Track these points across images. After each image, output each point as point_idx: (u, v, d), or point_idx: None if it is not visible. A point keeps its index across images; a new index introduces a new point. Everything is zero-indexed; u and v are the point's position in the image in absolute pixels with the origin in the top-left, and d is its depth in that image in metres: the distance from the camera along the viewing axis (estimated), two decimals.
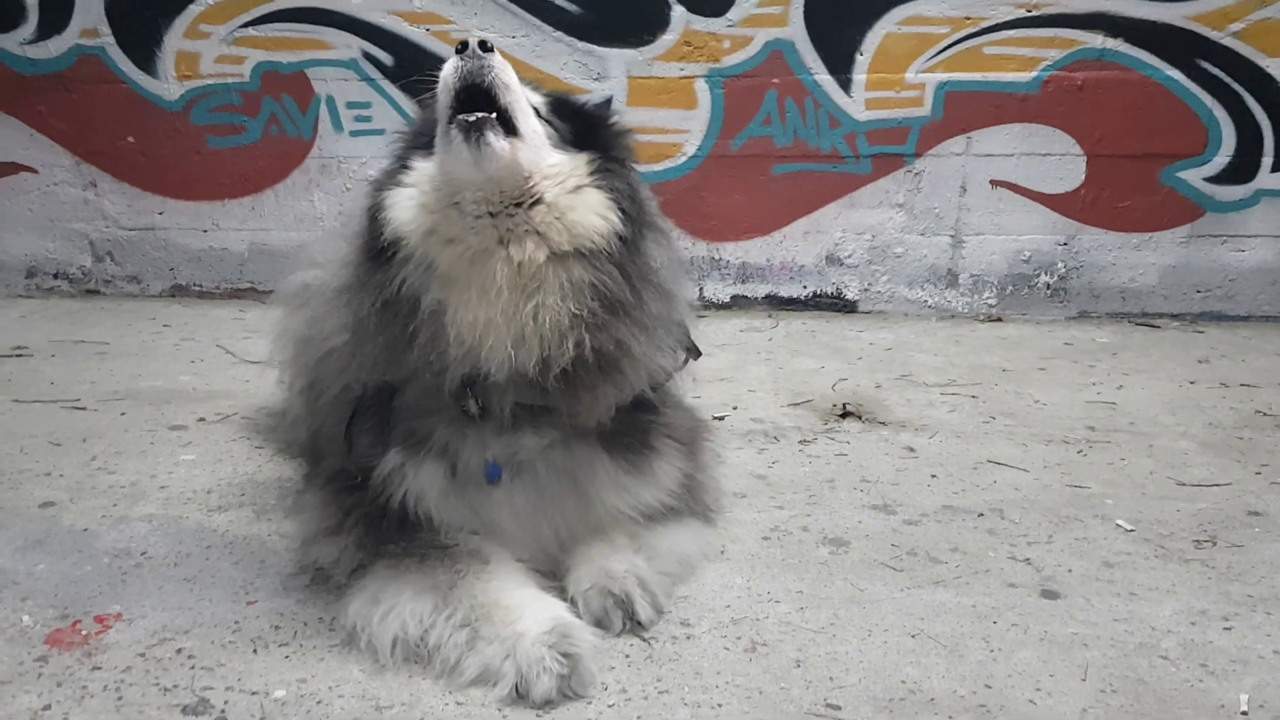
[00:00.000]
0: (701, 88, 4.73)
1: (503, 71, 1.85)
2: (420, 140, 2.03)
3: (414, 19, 4.76)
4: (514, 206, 1.87)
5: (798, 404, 3.55)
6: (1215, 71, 4.50)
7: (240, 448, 3.09)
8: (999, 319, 4.86)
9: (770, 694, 1.82)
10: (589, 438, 2.04)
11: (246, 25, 4.86)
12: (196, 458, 3.01)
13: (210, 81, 4.95)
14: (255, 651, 1.96)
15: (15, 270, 5.32)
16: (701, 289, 5.01)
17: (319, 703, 1.79)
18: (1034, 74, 4.57)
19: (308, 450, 2.62)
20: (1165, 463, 2.98)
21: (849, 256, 4.93)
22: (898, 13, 4.55)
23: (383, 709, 1.77)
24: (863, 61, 4.63)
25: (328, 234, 4.56)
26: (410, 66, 4.76)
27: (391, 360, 1.94)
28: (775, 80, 4.67)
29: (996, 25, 4.53)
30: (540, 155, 1.91)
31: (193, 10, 4.85)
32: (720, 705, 1.79)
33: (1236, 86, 4.51)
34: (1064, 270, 4.83)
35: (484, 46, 1.84)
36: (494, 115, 1.82)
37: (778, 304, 5.03)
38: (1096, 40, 4.49)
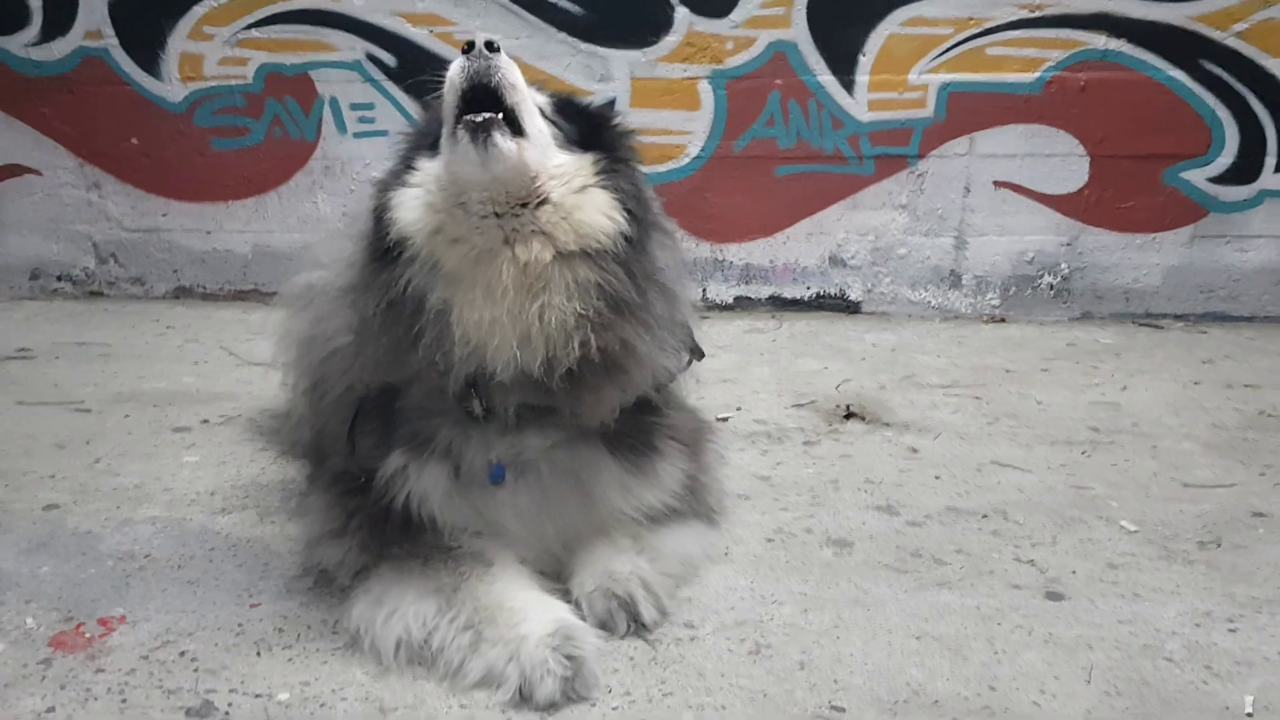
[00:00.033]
0: (704, 89, 4.72)
1: (509, 72, 1.85)
2: (425, 140, 2.03)
3: (417, 20, 4.76)
4: (520, 206, 1.87)
5: (801, 405, 3.55)
6: (1218, 72, 4.49)
7: (244, 450, 3.09)
8: (1002, 320, 4.86)
9: (774, 696, 1.82)
10: (592, 438, 2.04)
11: (250, 27, 4.86)
12: (200, 460, 3.01)
13: (214, 83, 4.95)
14: (259, 654, 1.96)
15: (19, 272, 5.33)
16: (705, 290, 5.01)
17: (323, 705, 1.79)
18: (1037, 75, 4.56)
19: (311, 452, 2.62)
20: (1169, 464, 2.98)
21: (852, 257, 4.92)
22: (900, 14, 4.54)
23: (387, 711, 1.77)
24: (865, 63, 4.62)
25: (331, 235, 4.55)
26: (413, 68, 4.76)
27: (396, 360, 1.94)
28: (778, 81, 4.67)
29: (999, 26, 4.52)
30: (546, 155, 1.92)
31: (196, 12, 4.85)
32: (724, 707, 1.79)
33: (1240, 87, 4.49)
34: (1067, 271, 4.82)
35: (490, 47, 1.84)
36: (501, 115, 1.82)
37: (781, 305, 5.02)
38: (1099, 41, 4.49)
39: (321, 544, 2.11)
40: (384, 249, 1.92)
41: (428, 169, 1.96)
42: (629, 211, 1.92)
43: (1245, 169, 4.59)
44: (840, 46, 4.61)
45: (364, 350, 2.01)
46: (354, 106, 4.92)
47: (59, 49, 4.94)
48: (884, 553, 2.40)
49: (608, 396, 1.95)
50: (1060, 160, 4.67)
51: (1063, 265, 4.81)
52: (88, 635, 2.02)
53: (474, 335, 1.85)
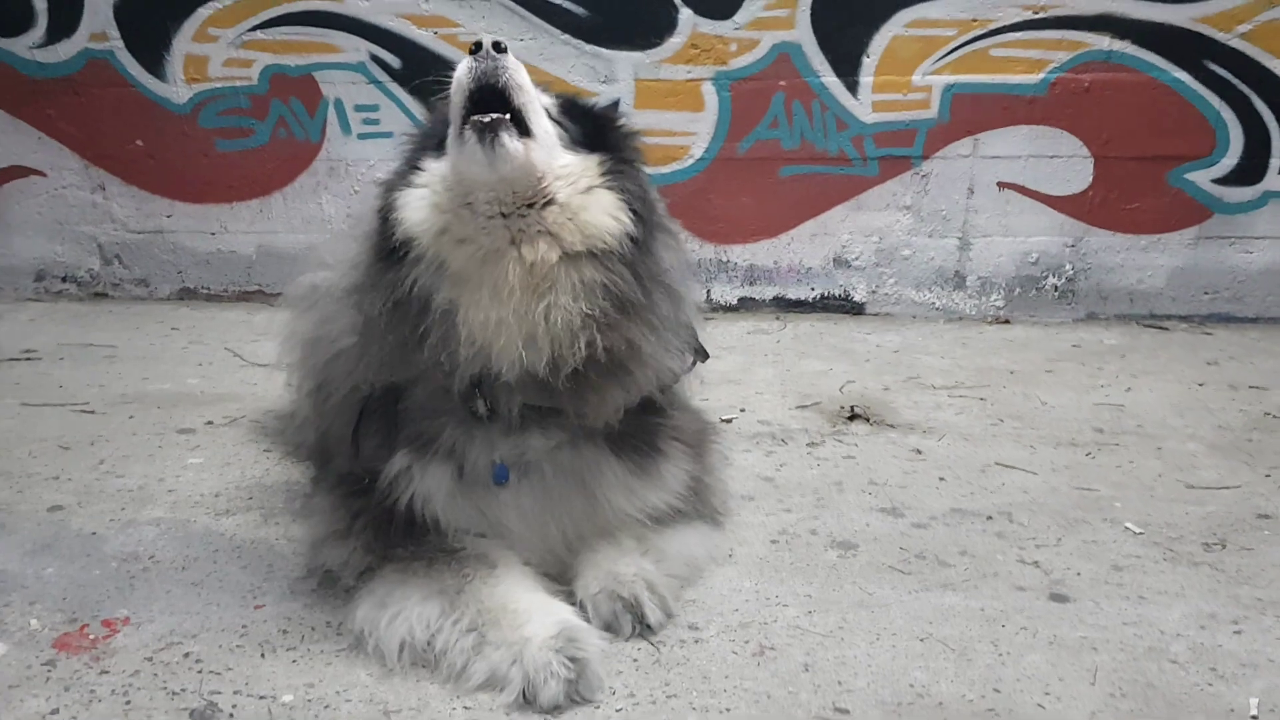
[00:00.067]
0: (709, 90, 4.73)
1: (517, 72, 1.86)
2: (430, 141, 2.04)
3: (422, 22, 4.77)
4: (526, 207, 1.88)
5: (805, 406, 3.54)
6: (1223, 73, 4.48)
7: (248, 451, 3.10)
8: (1006, 321, 4.85)
9: (778, 698, 1.82)
10: (596, 439, 2.05)
11: (255, 29, 4.86)
12: (204, 461, 3.01)
13: (218, 85, 4.96)
14: (263, 655, 1.96)
15: (24, 273, 5.34)
16: (709, 291, 5.01)
17: (327, 707, 1.79)
18: (1041, 76, 4.55)
19: (316, 453, 2.63)
20: (1174, 465, 2.97)
21: (856, 259, 4.92)
22: (904, 15, 4.53)
23: (390, 713, 1.77)
24: (869, 64, 4.62)
25: (336, 236, 4.58)
26: (418, 69, 4.77)
27: (401, 360, 1.94)
28: (782, 83, 4.67)
29: (1003, 27, 4.52)
30: (553, 156, 1.92)
31: (201, 14, 4.86)
32: (728, 709, 1.79)
33: (1244, 88, 4.49)
34: (1072, 272, 4.81)
35: (498, 47, 1.84)
36: (508, 116, 1.82)
37: (785, 306, 5.02)
38: (1104, 42, 4.48)
39: (326, 545, 2.12)
40: (390, 249, 1.92)
41: (434, 169, 1.96)
42: (634, 212, 1.93)
43: (1250, 170, 4.59)
44: (844, 48, 4.61)
45: (369, 350, 2.01)
46: (358, 108, 4.93)
47: (64, 51, 4.96)
48: (888, 554, 2.40)
49: (612, 397, 1.95)
50: (1064, 161, 4.67)
51: (1067, 266, 4.81)
52: (92, 637, 2.03)
53: (480, 335, 1.86)
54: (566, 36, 4.71)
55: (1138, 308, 4.82)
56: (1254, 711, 1.78)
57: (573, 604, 2.00)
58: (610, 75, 4.75)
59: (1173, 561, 2.36)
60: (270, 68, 4.91)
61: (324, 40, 4.84)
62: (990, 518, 2.61)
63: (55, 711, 1.79)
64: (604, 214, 1.90)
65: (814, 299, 5.00)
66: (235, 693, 1.84)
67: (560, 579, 2.09)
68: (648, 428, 2.14)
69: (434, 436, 2.01)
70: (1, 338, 4.49)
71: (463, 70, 1.85)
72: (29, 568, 2.32)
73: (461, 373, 1.89)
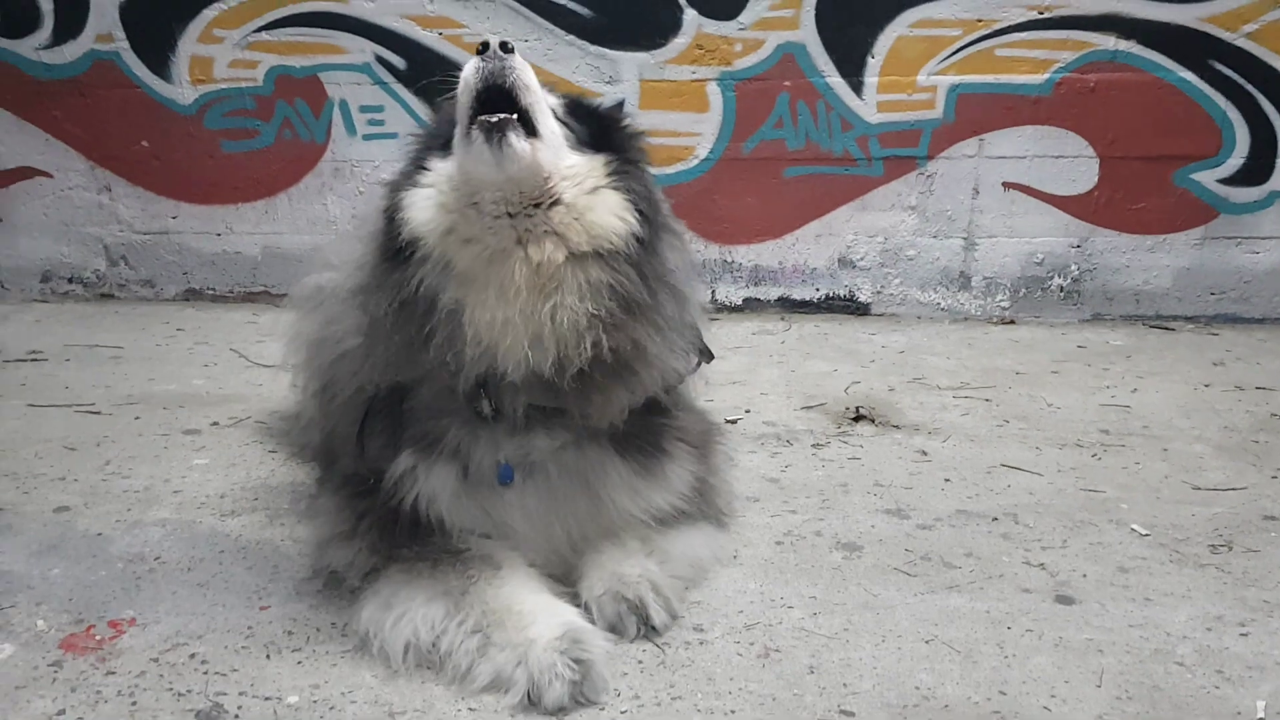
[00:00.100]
0: (713, 91, 4.73)
1: (524, 72, 1.86)
2: (436, 141, 2.04)
3: (427, 23, 4.78)
4: (533, 207, 1.88)
5: (810, 407, 3.54)
6: (1229, 73, 4.47)
7: (253, 452, 3.10)
8: (1012, 321, 4.84)
9: (783, 700, 1.82)
10: (601, 440, 2.04)
11: (260, 30, 4.88)
12: (210, 462, 3.02)
13: (224, 86, 4.97)
14: (268, 657, 1.96)
15: (30, 274, 5.36)
16: (714, 291, 5.01)
17: (332, 708, 1.79)
18: (1046, 76, 4.55)
19: (321, 454, 2.63)
20: (1180, 466, 2.96)
21: (861, 259, 4.91)
22: (909, 15, 4.53)
23: (395, 715, 1.77)
24: (874, 64, 4.62)
25: (341, 236, 4.58)
26: (423, 70, 4.77)
27: (406, 360, 1.94)
28: (787, 83, 4.67)
29: (1008, 27, 4.51)
30: (559, 156, 1.92)
31: (207, 15, 4.88)
32: (733, 711, 1.78)
33: (1250, 88, 4.48)
34: (1077, 272, 4.80)
35: (505, 47, 1.84)
36: (515, 116, 1.82)
37: (790, 307, 5.02)
38: (1109, 42, 4.47)
39: (331, 546, 2.12)
40: (396, 249, 1.92)
41: (440, 169, 1.96)
42: (640, 213, 1.93)
43: (1256, 170, 4.58)
44: (849, 48, 4.60)
45: (374, 350, 2.01)
46: (363, 109, 4.93)
47: (70, 52, 4.97)
48: (893, 556, 2.39)
49: (617, 398, 1.95)
50: (1070, 161, 4.66)
51: (1073, 267, 4.80)
52: (98, 637, 2.03)
53: (486, 335, 1.86)
54: (571, 37, 4.71)
55: (1143, 308, 4.81)
56: (1261, 714, 1.77)
57: (577, 605, 2.00)
58: (615, 76, 4.75)
59: (1179, 563, 2.35)
60: (275, 69, 4.92)
61: (329, 41, 4.85)
62: (996, 519, 2.60)
63: (62, 712, 1.79)
64: (610, 214, 1.90)
65: (819, 299, 5.00)
66: (241, 694, 1.84)
67: (565, 580, 2.09)
68: (652, 428, 2.14)
69: (439, 437, 2.01)
70: (8, 338, 4.50)
71: (470, 70, 1.85)
72: (35, 569, 2.33)
73: (467, 373, 1.89)
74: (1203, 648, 1.99)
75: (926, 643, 2.01)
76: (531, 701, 1.76)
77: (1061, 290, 4.84)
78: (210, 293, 5.31)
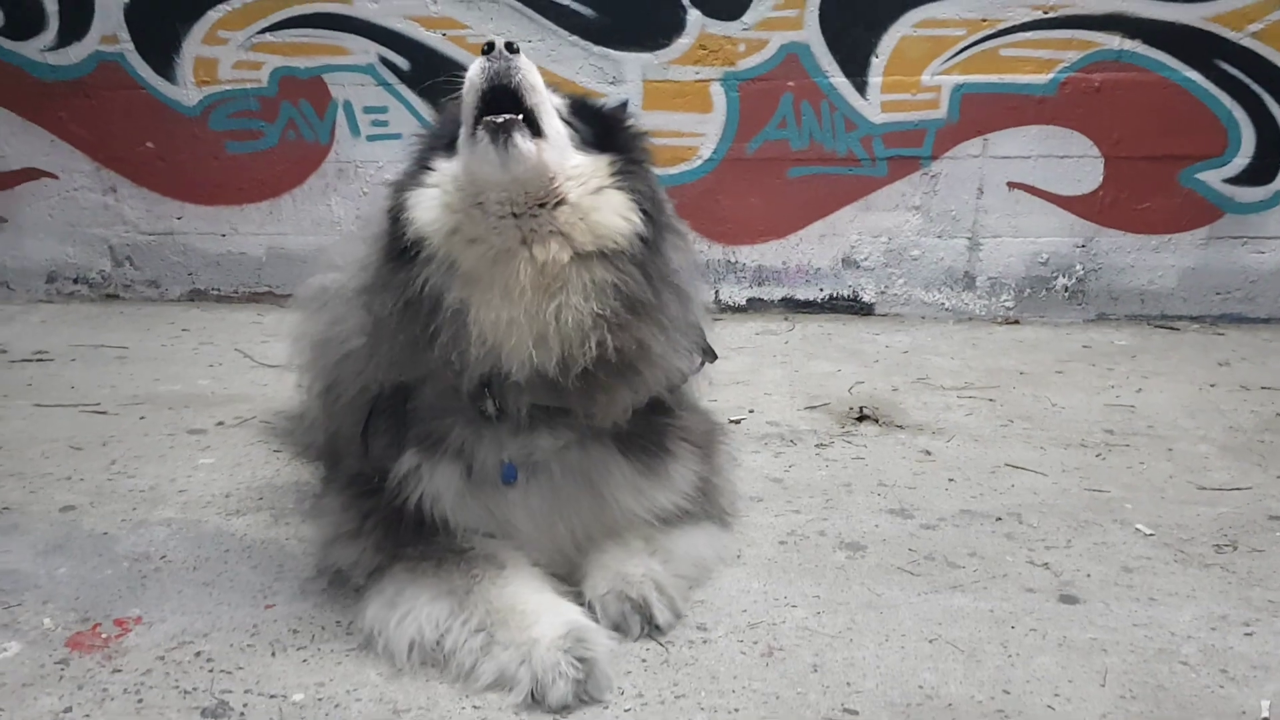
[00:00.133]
0: (717, 91, 4.73)
1: (529, 73, 1.86)
2: (440, 141, 2.04)
3: (430, 24, 4.79)
4: (538, 207, 1.88)
5: (814, 407, 3.54)
6: (1234, 72, 4.46)
7: (258, 451, 3.11)
8: (1016, 321, 4.84)
9: (787, 699, 1.82)
10: (604, 439, 2.05)
11: (264, 31, 4.89)
12: (215, 461, 3.03)
13: (228, 87, 4.99)
14: (274, 655, 1.97)
15: (36, 275, 5.38)
16: (717, 292, 5.01)
17: (337, 706, 1.80)
18: (1051, 76, 4.54)
19: (326, 453, 2.63)
20: (1185, 466, 2.96)
21: (865, 259, 4.91)
22: (913, 15, 4.53)
23: (400, 713, 1.78)
24: (878, 64, 4.62)
25: (345, 237, 4.58)
26: (426, 71, 4.78)
27: (410, 360, 1.94)
28: (791, 83, 4.67)
29: (1013, 27, 4.51)
30: (564, 156, 1.92)
31: (211, 16, 4.89)
32: (737, 710, 1.79)
33: (1256, 87, 4.47)
34: (1082, 272, 4.80)
35: (510, 48, 1.85)
36: (520, 117, 1.83)
37: (794, 307, 5.02)
38: (1114, 41, 4.47)
39: (336, 545, 2.12)
40: (401, 249, 1.93)
41: (445, 169, 1.96)
42: (645, 213, 1.93)
43: (1262, 170, 4.57)
44: (853, 48, 4.60)
45: (378, 350, 2.02)
46: (367, 110, 4.94)
47: (75, 54, 4.99)
48: (897, 556, 2.39)
49: (621, 397, 1.95)
50: (1075, 161, 4.66)
51: (1077, 267, 4.79)
52: (104, 636, 2.04)
53: (491, 335, 1.86)
54: (575, 38, 4.72)
55: (1149, 308, 4.81)
56: (1265, 714, 1.77)
57: (581, 604, 2.00)
58: (618, 76, 4.75)
59: (1183, 563, 2.35)
60: (279, 70, 4.93)
61: (333, 42, 4.86)
62: (1000, 519, 2.60)
63: (68, 710, 1.80)
64: (615, 214, 1.91)
65: (823, 300, 5.00)
66: (246, 691, 1.85)
67: (568, 579, 2.09)
68: (656, 428, 2.14)
69: (443, 436, 2.02)
70: (14, 339, 4.52)
71: (475, 70, 1.86)
72: (42, 567, 2.34)
73: (471, 372, 1.90)
74: (1207, 647, 1.98)
75: (930, 642, 2.01)
76: (535, 700, 1.76)
77: (1066, 290, 4.83)
78: (215, 293, 5.32)
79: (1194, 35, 4.42)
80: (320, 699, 1.82)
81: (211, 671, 1.91)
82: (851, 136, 4.72)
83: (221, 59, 4.94)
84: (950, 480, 2.86)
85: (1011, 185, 4.73)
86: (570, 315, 1.84)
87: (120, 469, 2.96)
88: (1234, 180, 4.59)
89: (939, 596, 2.19)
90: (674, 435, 2.19)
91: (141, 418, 3.44)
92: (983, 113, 4.63)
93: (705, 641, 2.01)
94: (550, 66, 4.70)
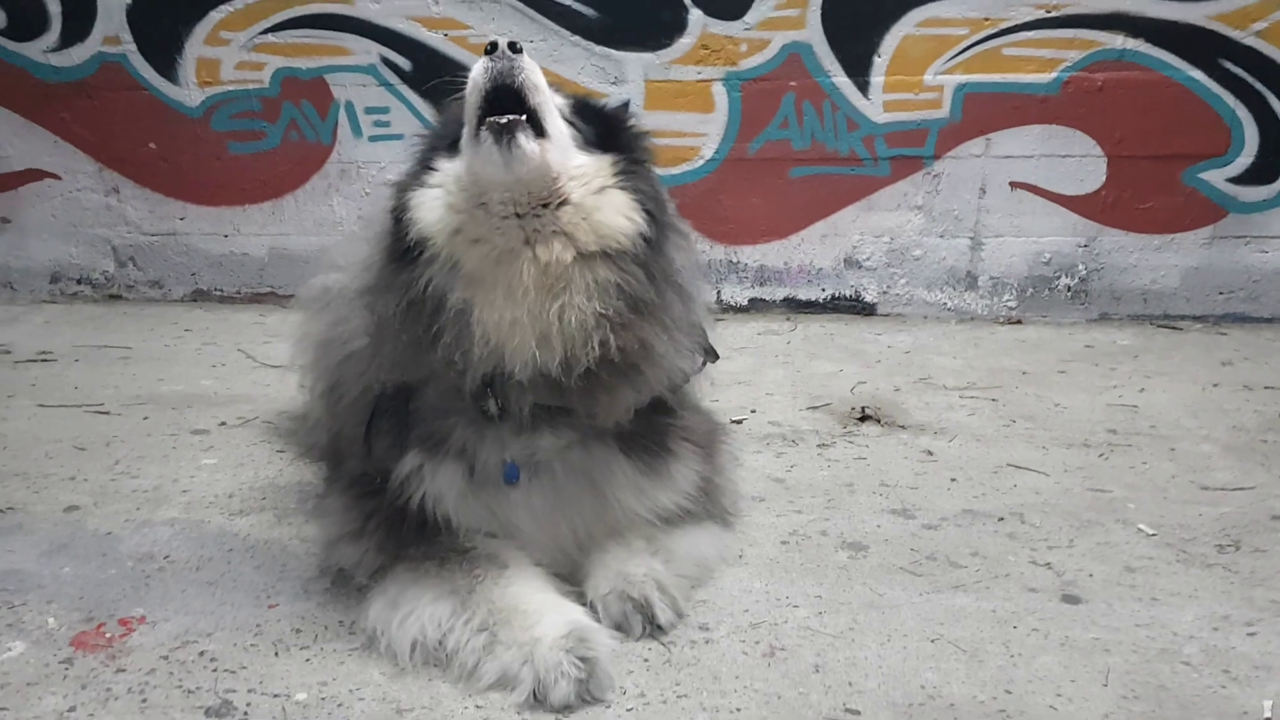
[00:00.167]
0: (719, 91, 4.73)
1: (532, 73, 1.86)
2: (442, 142, 2.04)
3: (432, 24, 4.79)
4: (541, 207, 1.88)
5: (816, 407, 3.54)
6: (1238, 71, 4.45)
7: (261, 452, 3.11)
8: (1019, 321, 4.84)
9: (789, 699, 1.82)
10: (606, 439, 2.05)
11: (266, 32, 4.89)
12: (218, 462, 3.03)
13: (231, 88, 4.99)
14: (277, 654, 1.97)
15: (39, 276, 5.38)
16: (719, 292, 5.01)
17: (340, 705, 1.80)
18: (1054, 75, 4.54)
19: (329, 454, 2.64)
20: (1188, 466, 2.96)
21: (867, 259, 4.91)
22: (916, 14, 4.52)
23: (403, 712, 1.78)
24: (880, 64, 4.61)
25: (348, 238, 4.59)
26: (428, 72, 4.78)
27: (413, 360, 1.95)
28: (793, 83, 4.67)
29: (1015, 26, 4.50)
30: (567, 157, 1.93)
31: (213, 17, 4.89)
32: (739, 710, 1.79)
33: (1259, 86, 4.46)
34: (1085, 272, 4.79)
35: (513, 47, 1.85)
36: (524, 117, 1.83)
37: (796, 307, 5.02)
38: (1117, 41, 4.46)
39: (339, 545, 2.13)
40: (404, 249, 1.93)
41: (447, 170, 1.97)
42: (647, 212, 1.93)
43: (1265, 169, 4.56)
44: (855, 48, 4.60)
45: (381, 350, 2.02)
46: (369, 110, 4.95)
47: (78, 55, 5.00)
48: (899, 556, 2.39)
49: (623, 397, 1.95)
50: (1077, 161, 4.65)
51: (1080, 266, 4.79)
52: (108, 635, 2.04)
53: (494, 335, 1.86)
54: (576, 38, 4.72)
55: (1151, 308, 4.80)
56: (1267, 714, 1.77)
57: (583, 604, 2.01)
58: (620, 76, 4.75)
59: (1186, 563, 2.35)
60: (281, 70, 4.93)
61: (335, 43, 4.86)
62: (1002, 519, 2.60)
63: (72, 709, 1.80)
64: (618, 214, 1.91)
65: (825, 300, 5.00)
66: (250, 691, 1.85)
67: (571, 579, 2.09)
68: (658, 428, 2.15)
69: (445, 436, 2.02)
70: (18, 339, 4.53)
71: (478, 70, 1.86)
72: (46, 567, 2.34)
73: (474, 372, 1.90)
74: (1209, 647, 1.98)
75: (932, 642, 2.01)
76: (537, 699, 1.77)
77: (1069, 290, 4.83)
78: (218, 294, 5.33)
79: (1197, 34, 4.42)
80: (323, 698, 1.83)
81: (215, 671, 1.92)
82: (854, 136, 4.71)
83: (224, 60, 4.95)
84: (952, 480, 2.86)
85: (1014, 185, 4.72)
86: (573, 315, 1.84)
87: (124, 469, 2.97)
88: (1237, 180, 4.59)
89: (941, 596, 2.19)
90: (676, 435, 2.19)
91: (145, 418, 3.44)
92: (985, 112, 4.62)
93: (707, 641, 2.01)
94: (552, 66, 4.70)
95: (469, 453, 2.01)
